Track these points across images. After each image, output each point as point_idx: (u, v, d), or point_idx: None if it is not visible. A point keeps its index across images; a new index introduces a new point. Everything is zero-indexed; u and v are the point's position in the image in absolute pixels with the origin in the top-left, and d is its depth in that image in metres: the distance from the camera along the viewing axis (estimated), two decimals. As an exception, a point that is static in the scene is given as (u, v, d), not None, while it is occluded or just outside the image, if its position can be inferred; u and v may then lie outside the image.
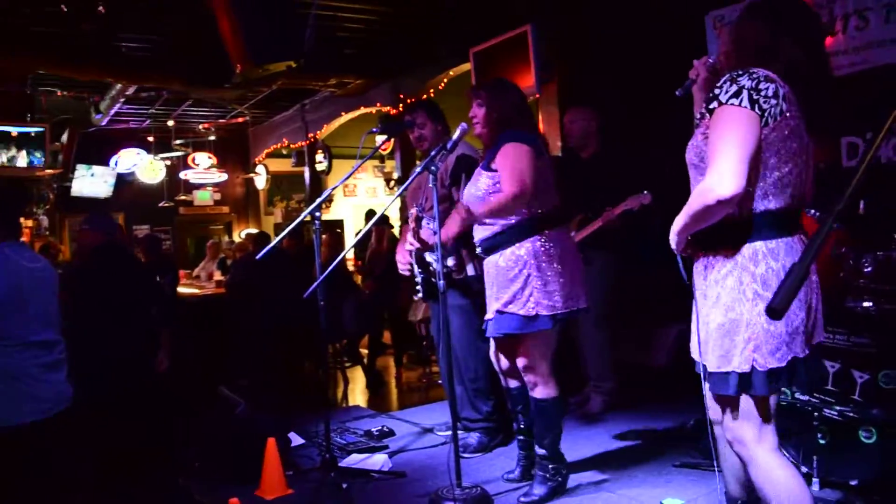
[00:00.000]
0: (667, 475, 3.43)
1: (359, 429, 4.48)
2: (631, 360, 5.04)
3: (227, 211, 13.19)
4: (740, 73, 1.97)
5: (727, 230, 2.02)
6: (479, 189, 3.21)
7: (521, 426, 3.44)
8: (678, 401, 4.38)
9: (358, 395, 6.16)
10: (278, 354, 6.10)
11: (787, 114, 1.97)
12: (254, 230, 11.19)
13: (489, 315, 3.26)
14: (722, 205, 1.92)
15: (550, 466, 3.23)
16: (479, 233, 3.27)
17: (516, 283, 3.11)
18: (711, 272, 2.09)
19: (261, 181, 12.46)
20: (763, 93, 1.93)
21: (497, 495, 3.28)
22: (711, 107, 1.99)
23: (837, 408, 2.99)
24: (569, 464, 3.41)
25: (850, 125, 4.59)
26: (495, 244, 3.20)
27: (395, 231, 8.02)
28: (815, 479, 3.04)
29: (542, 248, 3.11)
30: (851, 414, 2.95)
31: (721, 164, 1.91)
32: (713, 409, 2.33)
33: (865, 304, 3.12)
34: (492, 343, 3.40)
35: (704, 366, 2.14)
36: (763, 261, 2.00)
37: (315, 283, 3.37)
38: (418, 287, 3.98)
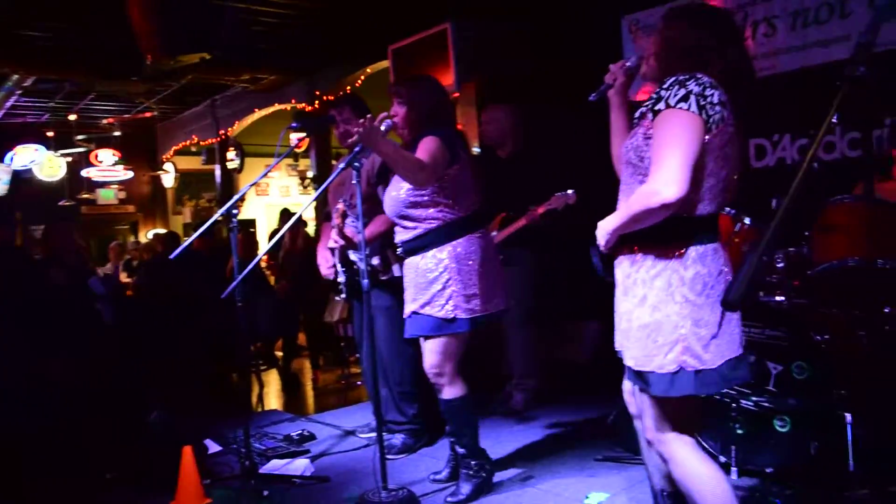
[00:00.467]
0: (590, 469, 3.47)
1: (278, 433, 4.35)
2: (553, 356, 5.09)
3: (132, 210, 12.69)
4: (687, 77, 1.97)
5: (662, 232, 2.02)
6: (399, 192, 3.17)
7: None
8: (599, 395, 4.44)
9: (272, 398, 6.00)
10: (191, 358, 5.88)
11: (727, 120, 2.00)
12: (162, 230, 10.81)
13: (405, 316, 3.23)
14: (665, 208, 1.93)
15: (473, 463, 3.22)
16: (401, 234, 3.24)
17: (436, 285, 3.09)
18: (640, 271, 2.10)
19: (169, 179, 12.05)
20: (709, 99, 1.94)
21: (424, 496, 3.25)
22: (658, 108, 1.98)
23: (753, 398, 3.09)
24: (494, 461, 3.41)
25: (758, 127, 4.77)
26: (416, 246, 3.17)
27: (310, 230, 7.89)
28: (733, 469, 3.13)
29: (464, 252, 3.10)
30: (766, 404, 3.05)
31: (667, 168, 1.91)
32: (632, 404, 2.40)
33: (778, 298, 3.24)
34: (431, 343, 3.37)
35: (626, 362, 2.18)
36: (693, 266, 2.02)
37: (233, 284, 3.25)
38: (341, 287, 3.90)
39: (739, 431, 3.11)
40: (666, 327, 2.02)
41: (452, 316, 3.07)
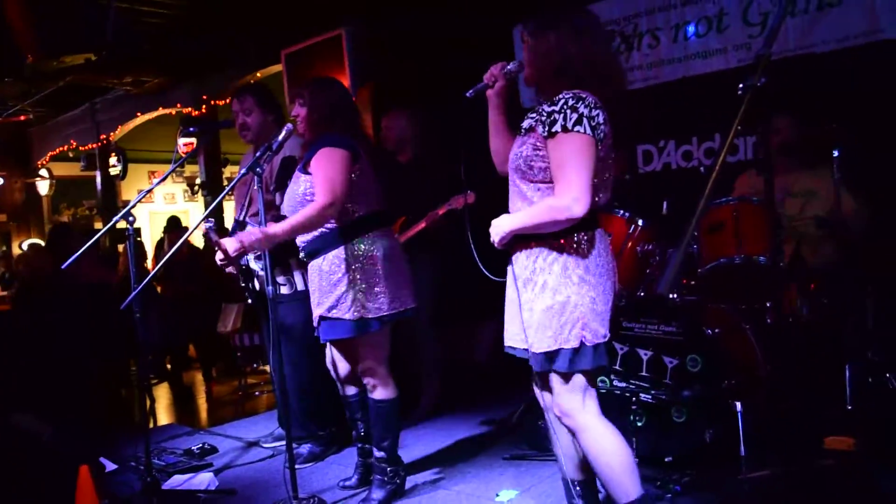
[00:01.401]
0: (499, 468, 3.54)
1: (177, 448, 4.20)
2: (453, 356, 5.14)
3: (3, 219, 11.90)
4: (575, 100, 2.16)
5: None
6: (297, 193, 3.14)
7: (361, 433, 3.40)
8: (501, 395, 4.56)
9: (165, 413, 5.78)
10: (78, 372, 5.59)
11: (608, 135, 2.24)
12: (37, 240, 10.20)
13: (315, 322, 3.20)
14: (571, 221, 2.17)
15: (389, 469, 3.21)
16: (301, 238, 3.19)
17: (340, 286, 3.06)
18: (538, 261, 2.27)
19: (44, 186, 11.37)
20: (596, 119, 2.16)
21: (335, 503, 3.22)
22: (554, 130, 2.16)
23: (652, 392, 3.24)
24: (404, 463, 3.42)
25: (644, 134, 5.00)
26: (317, 248, 3.13)
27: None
28: (634, 459, 3.27)
29: (365, 251, 3.09)
30: (664, 397, 3.21)
31: (575, 187, 2.13)
32: (543, 397, 2.48)
33: (671, 295, 3.40)
34: (327, 350, 3.34)
35: (530, 350, 2.29)
36: (584, 248, 2.24)
37: (132, 294, 3.12)
38: (247, 295, 3.79)
39: (639, 423, 3.25)
40: (567, 307, 2.21)
41: (359, 316, 3.05)
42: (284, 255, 3.62)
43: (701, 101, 4.60)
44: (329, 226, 3.10)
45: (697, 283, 3.57)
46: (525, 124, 2.32)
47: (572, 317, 2.21)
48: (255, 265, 3.62)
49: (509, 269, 2.40)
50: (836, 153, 3.26)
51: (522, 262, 2.32)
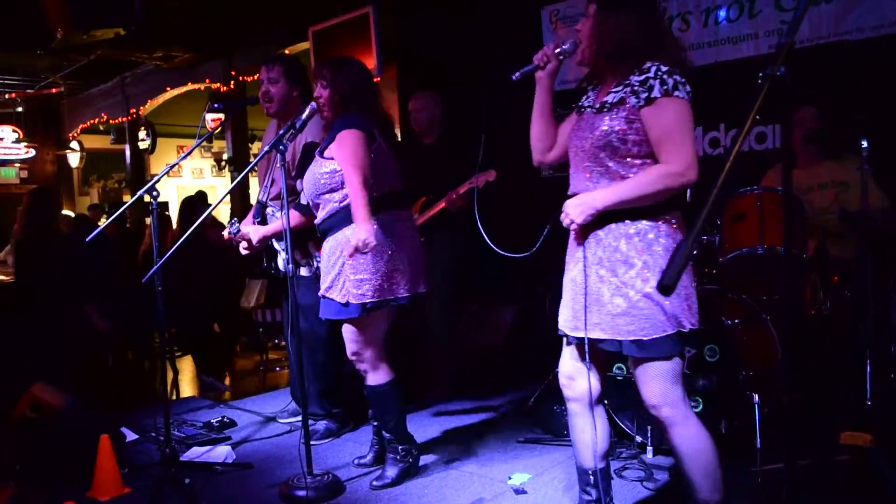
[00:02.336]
0: (512, 451, 3.55)
1: (197, 420, 4.27)
2: (471, 340, 5.16)
3: (35, 190, 12.09)
4: (667, 68, 2.11)
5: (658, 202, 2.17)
6: (316, 175, 3.13)
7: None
8: (518, 378, 4.56)
9: (186, 386, 5.86)
10: (103, 344, 5.69)
11: None
12: (69, 212, 10.35)
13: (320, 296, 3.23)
14: (684, 188, 2.13)
15: (400, 448, 3.24)
16: (319, 217, 3.20)
17: (334, 269, 3.09)
18: (634, 240, 2.17)
19: (75, 158, 11.54)
20: (686, 87, 2.12)
21: (349, 481, 3.25)
22: (654, 96, 2.09)
23: (668, 381, 3.22)
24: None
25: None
26: (326, 228, 3.15)
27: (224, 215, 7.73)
28: (649, 448, 3.27)
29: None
30: (680, 386, 3.19)
31: (687, 153, 2.08)
32: (569, 387, 2.43)
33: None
34: (344, 328, 3.36)
35: (589, 339, 2.22)
36: (679, 227, 2.20)
37: (154, 268, 3.16)
38: (271, 273, 3.83)
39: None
40: (676, 290, 2.11)
41: (345, 301, 3.05)
42: (304, 238, 3.62)
43: (730, 87, 4.48)
44: (337, 206, 3.09)
45: (718, 273, 3.53)
46: (610, 99, 2.20)
47: (681, 298, 2.16)
48: (277, 245, 3.66)
49: (578, 251, 2.28)
50: (864, 144, 3.20)
51: (610, 244, 2.20)
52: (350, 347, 3.19)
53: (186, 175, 13.05)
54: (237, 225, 3.57)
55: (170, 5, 7.13)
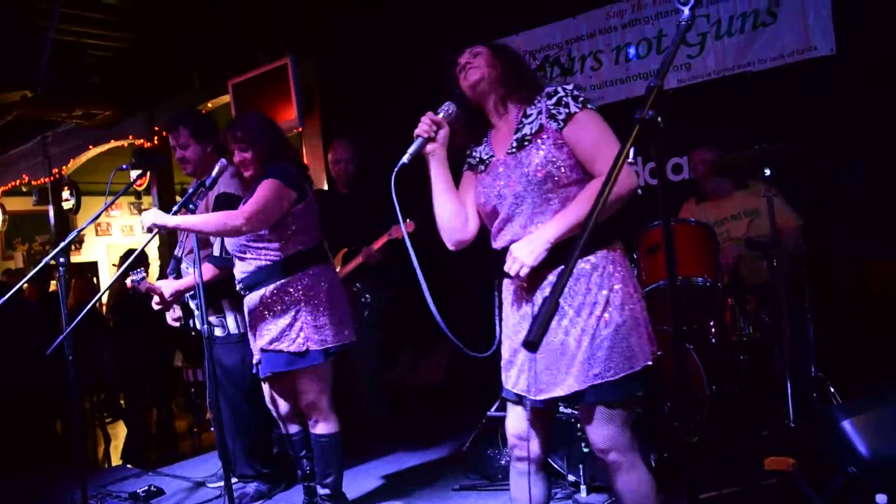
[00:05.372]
0: (448, 500, 3.49)
1: (122, 491, 4.09)
2: (407, 384, 5.10)
3: (-43, 256, 11.67)
4: (570, 87, 2.10)
5: (598, 233, 2.02)
6: None
7: (307, 471, 3.34)
8: (452, 423, 4.50)
9: (122, 452, 5.65)
10: (20, 416, 5.45)
11: None
12: (-10, 278, 9.96)
13: (256, 356, 3.15)
14: (633, 193, 1.98)
15: (332, 507, 3.16)
16: (241, 268, 3.15)
17: (284, 318, 3.03)
18: (592, 278, 2.04)
19: (-4, 222, 11.16)
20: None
21: (279, 544, 3.16)
22: (572, 111, 2.05)
23: (595, 417, 3.21)
24: (351, 500, 3.36)
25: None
26: (258, 280, 3.10)
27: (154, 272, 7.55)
28: (582, 486, 3.24)
29: (311, 283, 3.06)
30: (607, 421, 3.18)
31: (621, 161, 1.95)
32: (520, 447, 2.27)
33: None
34: (265, 388, 3.28)
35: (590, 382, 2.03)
36: (624, 255, 2.10)
37: (60, 336, 3.04)
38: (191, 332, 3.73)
39: (585, 450, 3.22)
40: (637, 321, 2.05)
41: (305, 348, 3.01)
42: (217, 296, 3.54)
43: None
44: (272, 258, 3.07)
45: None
46: (527, 131, 2.10)
47: (644, 331, 2.06)
48: (191, 303, 3.57)
49: (526, 307, 2.13)
50: (767, 172, 3.29)
51: (570, 286, 2.05)
52: (306, 398, 3.12)
53: (116, 233, 12.72)
54: (141, 273, 3.47)
55: (89, 62, 7.01)
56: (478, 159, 2.26)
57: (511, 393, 2.23)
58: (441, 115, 2.18)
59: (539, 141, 2.08)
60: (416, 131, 2.14)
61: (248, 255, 3.11)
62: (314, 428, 3.16)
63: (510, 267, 2.04)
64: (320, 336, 3.04)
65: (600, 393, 2.03)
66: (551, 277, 2.07)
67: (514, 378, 2.21)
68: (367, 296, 4.38)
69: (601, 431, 2.09)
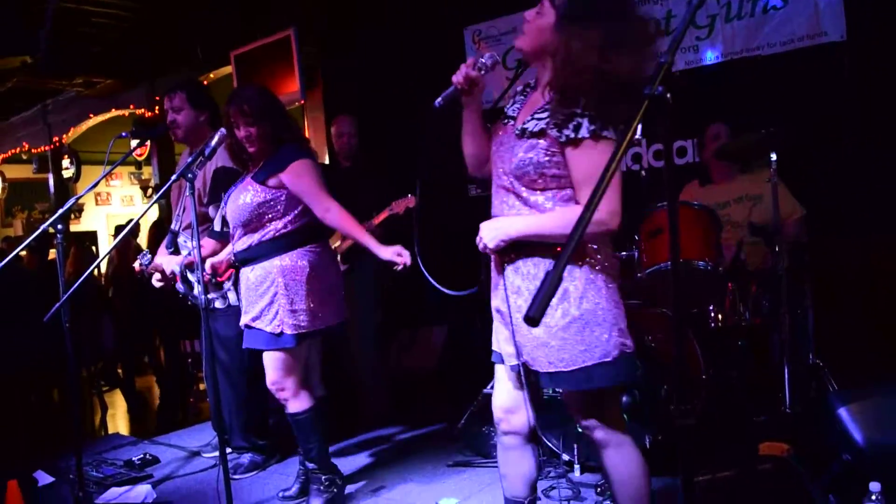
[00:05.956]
0: (441, 475, 3.50)
1: (118, 459, 4.10)
2: (403, 364, 5.10)
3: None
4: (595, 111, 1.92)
5: None
6: (246, 198, 3.07)
7: (301, 441, 3.34)
8: (450, 400, 4.51)
9: (119, 421, 5.68)
10: (19, 384, 5.45)
11: None
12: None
13: (241, 326, 3.16)
14: (606, 235, 1.99)
15: (324, 478, 3.16)
16: (237, 244, 3.15)
17: (264, 299, 3.03)
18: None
19: (-4, 189, 11.14)
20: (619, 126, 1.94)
21: (272, 515, 3.16)
22: (581, 136, 1.92)
23: (592, 398, 3.21)
24: (346, 474, 3.38)
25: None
26: (250, 257, 3.10)
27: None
28: (576, 465, 3.25)
29: (291, 266, 3.04)
30: (604, 403, 3.18)
31: (613, 200, 1.91)
32: (505, 420, 2.28)
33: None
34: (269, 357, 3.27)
35: (525, 366, 2.10)
36: (601, 250, 2.04)
37: (56, 304, 3.02)
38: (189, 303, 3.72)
39: (580, 429, 3.22)
40: (599, 315, 2.00)
41: (280, 331, 3.01)
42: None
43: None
44: (266, 235, 3.06)
45: (638, 289, 3.55)
46: (531, 126, 2.02)
47: (606, 324, 2.01)
48: (191, 276, 3.55)
49: (498, 279, 2.16)
50: (773, 157, 3.27)
51: (529, 271, 2.07)
52: (272, 376, 3.11)
53: (116, 203, 12.69)
54: (148, 256, 3.47)
55: (88, 31, 6.94)
56: (507, 112, 2.21)
57: (497, 354, 2.27)
58: (478, 66, 2.11)
59: (535, 141, 2.01)
60: (453, 77, 2.11)
61: (248, 231, 3.11)
62: (287, 408, 3.15)
63: (477, 241, 2.11)
64: (294, 321, 3.02)
65: (558, 381, 2.06)
66: (518, 262, 2.09)
67: (495, 339, 2.27)
68: (367, 275, 4.35)
69: (581, 411, 2.15)
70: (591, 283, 2.01)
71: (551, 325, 2.02)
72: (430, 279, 2.06)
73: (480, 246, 2.10)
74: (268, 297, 3.02)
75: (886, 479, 2.17)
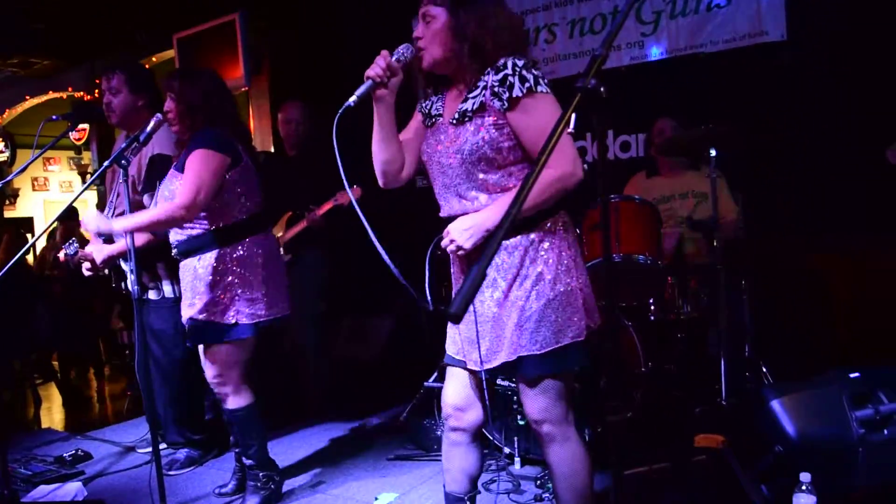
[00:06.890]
0: (382, 469, 3.47)
1: (48, 455, 3.96)
2: (347, 354, 5.05)
3: None
4: (524, 62, 1.95)
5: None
6: (171, 193, 2.95)
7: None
8: (392, 393, 4.47)
9: (55, 415, 5.50)
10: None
11: None
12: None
13: (184, 321, 3.05)
14: (577, 185, 1.95)
15: (261, 475, 3.09)
16: (175, 235, 3.03)
17: (216, 290, 2.93)
18: (527, 252, 2.01)
19: (-74, 173, 10.69)
20: (545, 80, 1.97)
21: (207, 512, 3.10)
22: (516, 95, 1.92)
23: (533, 391, 3.22)
24: (285, 468, 3.34)
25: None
26: (193, 247, 2.98)
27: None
28: (516, 458, 3.26)
29: (246, 254, 2.96)
30: (544, 396, 3.19)
31: (569, 150, 1.94)
32: (456, 417, 2.25)
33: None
34: (200, 351, 3.19)
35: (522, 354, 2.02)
36: (569, 229, 2.06)
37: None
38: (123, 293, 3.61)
39: (521, 423, 3.23)
40: (570, 295, 2.02)
41: (234, 321, 2.93)
42: (153, 260, 3.43)
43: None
44: (207, 226, 2.96)
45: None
46: (468, 106, 2.00)
47: (577, 305, 2.02)
48: (124, 265, 3.45)
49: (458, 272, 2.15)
50: (713, 153, 3.30)
51: (504, 260, 2.03)
52: (214, 370, 3.02)
53: (54, 188, 12.32)
54: (75, 245, 3.35)
55: (25, 7, 6.67)
56: (427, 112, 2.18)
57: (453, 359, 2.22)
58: (396, 58, 2.04)
59: (479, 120, 1.99)
60: (368, 72, 2.02)
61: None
62: (226, 404, 3.07)
63: (446, 244, 2.03)
64: (251, 310, 2.95)
65: (529, 366, 2.03)
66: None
67: (451, 344, 2.22)
68: (309, 265, 4.28)
69: (536, 403, 2.10)
70: (562, 264, 2.03)
71: (533, 308, 2.00)
72: (395, 271, 1.97)
73: (452, 248, 2.02)
74: (220, 289, 2.92)
75: (816, 470, 2.22)
